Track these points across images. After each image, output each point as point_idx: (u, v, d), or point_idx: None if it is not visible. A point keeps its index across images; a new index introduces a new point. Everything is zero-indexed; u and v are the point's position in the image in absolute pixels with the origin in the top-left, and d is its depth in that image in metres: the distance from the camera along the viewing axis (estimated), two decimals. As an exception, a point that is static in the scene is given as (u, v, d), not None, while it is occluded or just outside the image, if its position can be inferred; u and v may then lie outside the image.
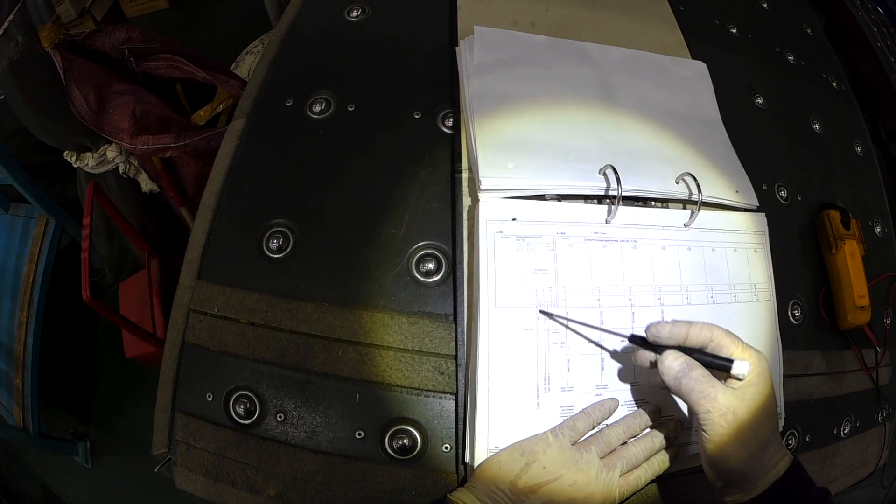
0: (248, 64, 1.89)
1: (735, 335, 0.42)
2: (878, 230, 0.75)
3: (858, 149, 0.80)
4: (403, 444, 0.49)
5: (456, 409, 0.49)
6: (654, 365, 0.43)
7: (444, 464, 0.49)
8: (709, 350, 0.42)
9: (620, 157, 0.55)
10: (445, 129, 0.58)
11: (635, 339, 0.45)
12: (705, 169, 0.58)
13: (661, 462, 0.47)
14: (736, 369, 0.41)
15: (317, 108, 0.60)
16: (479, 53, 0.60)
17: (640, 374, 0.50)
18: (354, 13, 0.68)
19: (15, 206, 1.54)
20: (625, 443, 0.47)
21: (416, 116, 0.59)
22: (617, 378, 0.49)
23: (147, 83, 1.24)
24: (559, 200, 0.53)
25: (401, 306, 0.51)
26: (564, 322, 0.48)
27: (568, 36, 0.66)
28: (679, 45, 0.71)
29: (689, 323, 0.42)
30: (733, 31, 0.79)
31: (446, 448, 0.49)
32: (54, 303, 1.48)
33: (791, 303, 0.62)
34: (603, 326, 0.49)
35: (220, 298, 0.54)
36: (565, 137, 0.56)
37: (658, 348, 0.43)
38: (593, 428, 0.47)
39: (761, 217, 0.59)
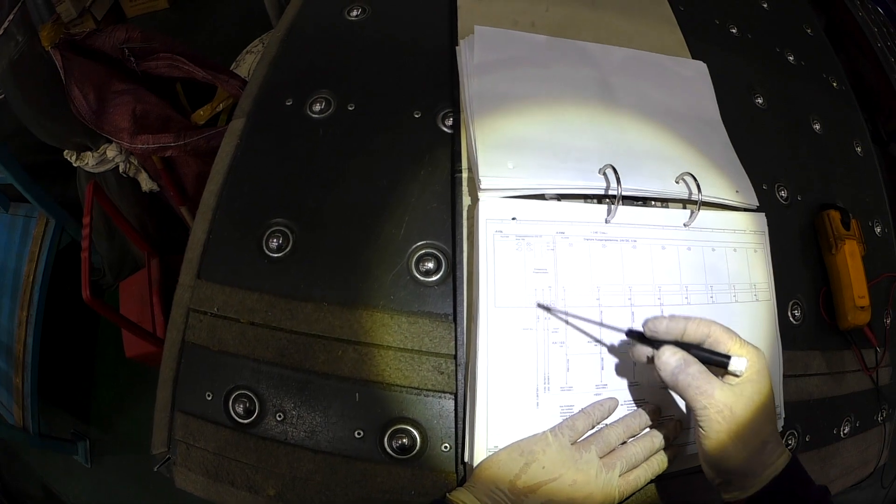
0: (248, 63, 1.89)
1: (733, 331, 0.42)
2: (878, 230, 0.75)
3: (858, 149, 0.80)
4: (403, 444, 0.49)
5: (455, 409, 0.49)
6: (651, 360, 0.43)
7: (444, 463, 0.49)
8: (706, 346, 0.42)
9: (620, 156, 0.55)
10: (445, 129, 0.58)
11: (633, 334, 0.45)
12: (705, 169, 0.58)
13: (661, 462, 0.47)
14: (733, 365, 0.40)
15: (317, 107, 0.60)
16: (479, 53, 0.60)
17: (640, 373, 0.49)
18: (354, 13, 0.68)
19: (15, 205, 1.54)
20: (624, 442, 0.47)
21: (416, 116, 0.59)
22: (616, 377, 0.49)
23: (147, 83, 1.24)
24: (559, 200, 0.53)
25: (400, 306, 0.51)
26: (563, 317, 0.48)
27: (568, 36, 0.66)
28: (679, 45, 0.71)
29: (687, 318, 0.42)
30: (733, 31, 0.79)
31: (446, 448, 0.49)
32: (54, 302, 1.48)
33: (791, 303, 0.62)
34: (600, 321, 0.49)
35: (220, 298, 0.54)
36: (565, 137, 0.56)
37: (655, 343, 0.43)
38: (593, 427, 0.47)
39: (761, 217, 0.59)
